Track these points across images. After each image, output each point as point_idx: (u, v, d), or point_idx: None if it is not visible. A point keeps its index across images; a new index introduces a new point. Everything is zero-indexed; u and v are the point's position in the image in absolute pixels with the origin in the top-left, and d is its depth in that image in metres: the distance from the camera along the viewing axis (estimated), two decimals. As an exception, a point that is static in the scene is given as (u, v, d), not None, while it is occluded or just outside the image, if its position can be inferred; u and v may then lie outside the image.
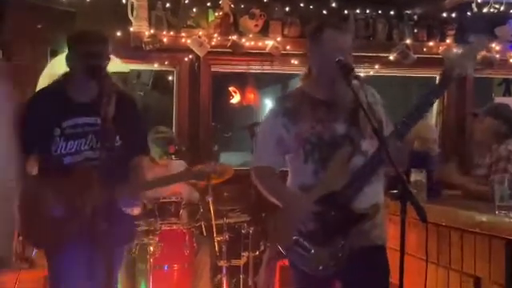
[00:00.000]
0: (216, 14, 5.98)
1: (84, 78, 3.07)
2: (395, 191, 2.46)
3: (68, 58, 3.20)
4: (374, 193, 2.90)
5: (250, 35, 6.03)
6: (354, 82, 2.73)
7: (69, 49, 3.22)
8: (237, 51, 5.98)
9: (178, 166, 5.24)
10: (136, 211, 3.47)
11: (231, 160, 8.21)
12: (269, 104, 9.08)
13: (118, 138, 3.15)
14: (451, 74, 2.86)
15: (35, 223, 3.18)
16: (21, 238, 4.80)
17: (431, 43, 6.41)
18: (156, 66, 6.17)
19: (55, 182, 3.11)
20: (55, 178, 3.12)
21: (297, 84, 3.16)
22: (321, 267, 2.82)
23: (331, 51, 2.82)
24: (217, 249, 5.10)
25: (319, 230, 2.81)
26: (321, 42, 2.89)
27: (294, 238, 2.83)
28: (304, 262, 2.84)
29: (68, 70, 3.24)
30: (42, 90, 3.39)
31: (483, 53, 6.35)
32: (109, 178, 2.89)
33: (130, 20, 5.75)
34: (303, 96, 2.97)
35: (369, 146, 2.86)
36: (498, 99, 6.96)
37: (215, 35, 5.93)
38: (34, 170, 3.31)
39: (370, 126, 2.72)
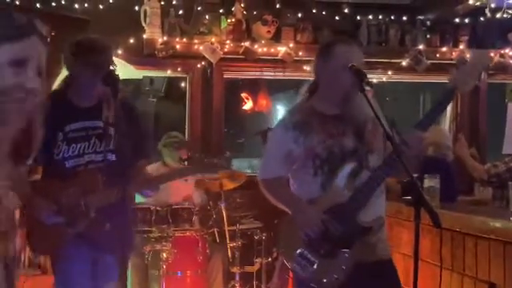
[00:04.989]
0: (228, 20, 6.00)
1: (87, 83, 3.10)
2: (409, 197, 2.45)
3: (70, 64, 3.22)
4: (378, 206, 2.90)
5: (263, 41, 6.04)
6: (367, 88, 2.73)
7: (72, 55, 3.22)
8: (249, 57, 5.99)
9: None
10: (152, 194, 3.50)
11: (244, 166, 8.22)
12: (281, 110, 9.08)
13: (120, 141, 3.17)
14: (454, 92, 2.90)
15: (38, 229, 3.18)
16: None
17: (444, 49, 6.39)
18: (169, 73, 6.20)
19: (58, 185, 3.12)
20: (58, 181, 3.13)
21: (302, 95, 3.14)
22: (325, 280, 2.82)
23: (341, 60, 2.83)
24: (230, 255, 5.11)
25: (324, 242, 2.81)
26: (332, 56, 2.89)
27: (299, 251, 2.83)
28: (308, 274, 2.83)
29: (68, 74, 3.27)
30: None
31: (497, 58, 6.33)
32: (111, 180, 2.91)
33: (143, 27, 5.78)
34: (312, 111, 2.96)
35: (376, 160, 2.86)
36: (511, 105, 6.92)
37: (228, 42, 5.94)
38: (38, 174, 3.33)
39: (377, 141, 2.75)
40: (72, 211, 3.06)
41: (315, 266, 2.81)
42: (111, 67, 3.12)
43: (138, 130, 3.34)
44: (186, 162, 5.38)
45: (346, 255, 2.81)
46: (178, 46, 5.82)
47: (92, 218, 3.05)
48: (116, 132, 3.12)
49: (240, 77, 6.57)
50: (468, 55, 6.26)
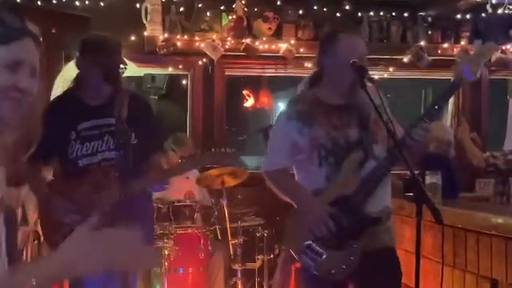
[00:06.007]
0: (229, 17, 5.99)
1: (98, 82, 3.10)
2: (411, 194, 2.45)
3: (80, 62, 3.21)
4: (384, 195, 2.91)
5: (264, 38, 6.03)
6: (369, 84, 2.73)
7: (83, 53, 3.22)
8: (250, 54, 5.99)
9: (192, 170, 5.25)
10: (162, 189, 3.52)
11: (245, 163, 8.21)
12: (282, 107, 9.07)
13: (133, 136, 3.17)
14: (459, 81, 2.87)
15: (55, 227, 3.19)
16: (36, 242, 4.83)
17: (446, 45, 6.38)
18: (170, 70, 6.20)
19: (72, 184, 3.13)
20: (72, 180, 3.14)
21: (302, 87, 3.14)
22: (333, 271, 2.82)
23: (346, 55, 2.81)
24: (231, 252, 5.11)
25: (332, 235, 2.81)
26: (335, 46, 2.88)
27: (307, 242, 2.83)
28: (316, 266, 2.83)
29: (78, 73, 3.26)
30: (57, 97, 3.43)
31: (498, 54, 6.32)
32: (126, 176, 2.91)
33: (144, 24, 5.78)
34: (315, 100, 2.95)
35: (381, 151, 2.86)
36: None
37: (229, 38, 5.94)
38: (49, 174, 3.34)
39: (381, 131, 2.74)
40: (87, 209, 3.07)
41: (324, 258, 2.81)
42: (121, 66, 3.13)
43: (150, 124, 3.34)
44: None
45: (355, 246, 2.81)
46: (179, 43, 5.82)
47: (106, 216, 3.05)
48: (129, 128, 3.12)
49: (241, 74, 6.57)
50: (471, 52, 6.25)
